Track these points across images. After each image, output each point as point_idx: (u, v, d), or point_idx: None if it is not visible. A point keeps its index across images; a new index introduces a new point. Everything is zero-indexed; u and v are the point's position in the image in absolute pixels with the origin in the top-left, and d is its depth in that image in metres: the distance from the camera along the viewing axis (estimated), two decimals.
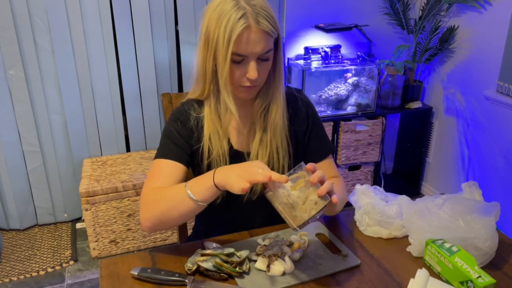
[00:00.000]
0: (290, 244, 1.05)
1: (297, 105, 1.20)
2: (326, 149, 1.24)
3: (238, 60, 1.02)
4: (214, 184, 0.94)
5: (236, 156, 1.16)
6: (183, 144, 1.12)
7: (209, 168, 1.14)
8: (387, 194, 1.22)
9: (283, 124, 1.15)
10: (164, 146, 1.13)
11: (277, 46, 1.08)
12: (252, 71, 1.03)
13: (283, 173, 1.11)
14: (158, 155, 1.12)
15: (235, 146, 1.16)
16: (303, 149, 1.22)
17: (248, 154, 1.16)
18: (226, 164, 1.13)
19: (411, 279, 0.93)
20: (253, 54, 1.01)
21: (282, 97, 1.14)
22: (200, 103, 1.16)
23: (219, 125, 1.12)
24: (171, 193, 1.02)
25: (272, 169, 1.14)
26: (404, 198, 1.18)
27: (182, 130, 1.13)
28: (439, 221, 1.04)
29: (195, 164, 1.17)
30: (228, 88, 1.06)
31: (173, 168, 1.09)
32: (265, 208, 1.13)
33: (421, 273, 0.93)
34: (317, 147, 1.22)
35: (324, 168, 1.21)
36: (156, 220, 1.02)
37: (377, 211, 1.13)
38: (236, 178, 0.91)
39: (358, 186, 1.22)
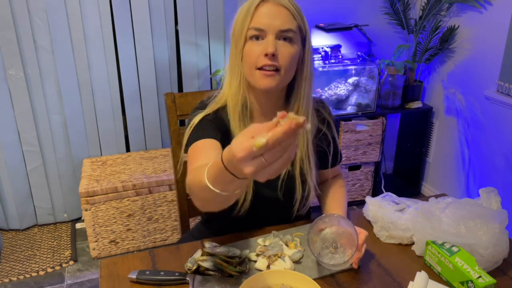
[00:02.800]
0: (286, 244, 1.06)
1: (320, 114, 1.19)
2: (339, 157, 1.26)
3: (256, 35, 1.00)
4: (224, 165, 0.72)
5: None
6: (214, 130, 1.08)
7: None
8: (401, 199, 1.21)
9: (312, 135, 1.13)
10: (195, 133, 1.07)
11: (306, 45, 1.06)
12: (270, 44, 0.99)
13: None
14: (191, 142, 1.05)
15: None
16: (319, 155, 1.20)
17: None
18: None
19: (410, 282, 0.92)
20: (270, 27, 0.99)
21: (311, 102, 1.11)
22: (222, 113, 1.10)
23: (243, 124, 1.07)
24: (199, 181, 0.80)
25: (304, 185, 1.13)
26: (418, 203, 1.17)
27: (210, 122, 1.09)
28: (439, 225, 1.04)
29: None
30: (251, 72, 1.02)
31: (210, 143, 1.03)
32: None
33: (421, 275, 0.93)
34: (333, 156, 1.22)
35: (332, 170, 1.26)
36: (196, 201, 0.91)
37: (392, 228, 1.12)
38: (236, 144, 0.67)
39: (368, 199, 1.21)
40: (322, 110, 1.20)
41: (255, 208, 1.12)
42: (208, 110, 1.10)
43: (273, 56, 0.99)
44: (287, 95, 1.13)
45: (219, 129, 1.09)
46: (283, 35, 1.01)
